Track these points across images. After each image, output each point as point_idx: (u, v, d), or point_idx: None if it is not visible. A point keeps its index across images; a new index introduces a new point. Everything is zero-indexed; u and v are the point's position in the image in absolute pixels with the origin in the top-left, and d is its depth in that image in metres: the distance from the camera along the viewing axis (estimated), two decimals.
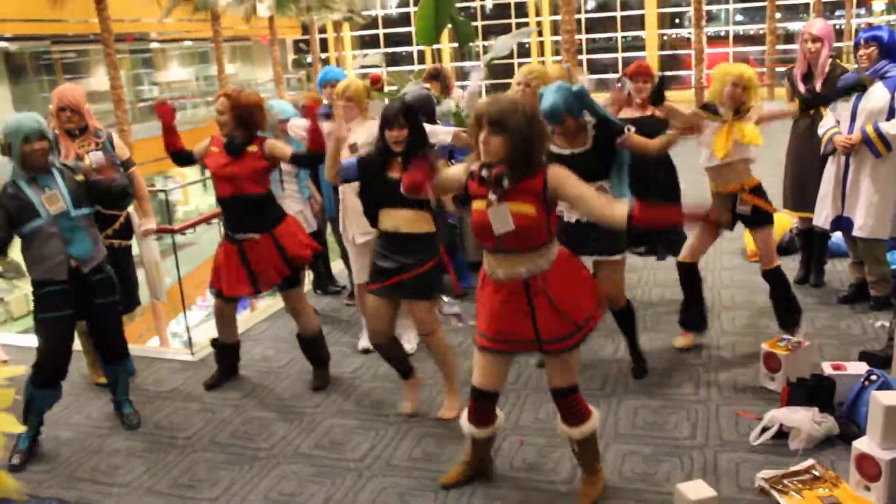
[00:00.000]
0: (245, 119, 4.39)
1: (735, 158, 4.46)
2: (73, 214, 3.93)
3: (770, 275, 4.67)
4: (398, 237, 3.90)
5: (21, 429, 1.00)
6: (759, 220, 4.58)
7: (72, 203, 3.93)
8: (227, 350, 4.89)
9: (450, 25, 6.75)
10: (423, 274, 3.89)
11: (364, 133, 4.65)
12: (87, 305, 4.10)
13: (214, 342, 4.93)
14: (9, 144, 3.85)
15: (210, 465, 3.88)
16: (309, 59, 33.84)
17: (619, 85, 4.82)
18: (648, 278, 6.13)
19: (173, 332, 11.22)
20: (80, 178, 4.02)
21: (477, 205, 3.06)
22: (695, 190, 5.28)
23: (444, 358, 4.14)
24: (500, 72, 30.04)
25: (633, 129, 4.11)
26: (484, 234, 3.05)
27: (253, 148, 4.41)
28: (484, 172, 2.94)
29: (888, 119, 4.74)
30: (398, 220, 3.89)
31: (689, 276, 4.80)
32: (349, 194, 4.83)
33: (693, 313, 4.82)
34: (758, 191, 4.55)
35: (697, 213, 2.98)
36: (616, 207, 3.00)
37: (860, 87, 4.80)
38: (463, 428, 3.42)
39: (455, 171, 3.23)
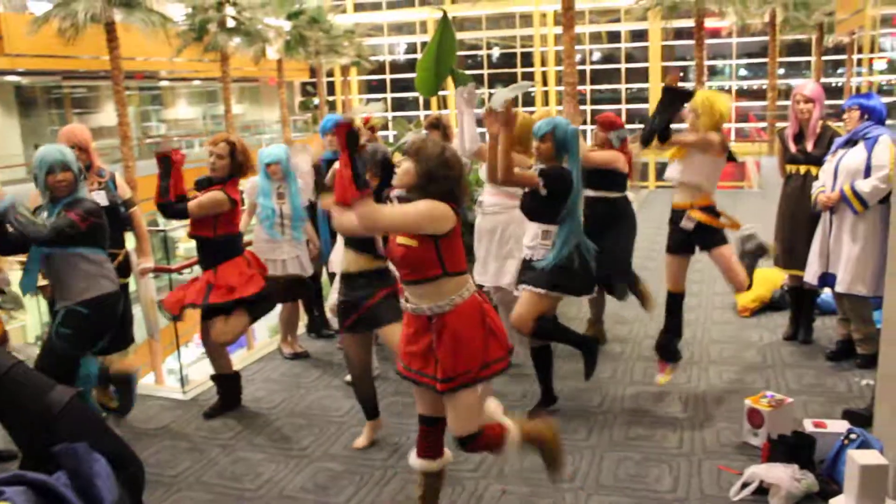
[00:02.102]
0: (241, 165, 4.70)
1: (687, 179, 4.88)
2: (48, 251, 4.02)
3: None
4: (348, 277, 4.23)
5: None
6: (710, 240, 4.91)
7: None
8: (224, 381, 5.06)
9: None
10: (376, 304, 4.17)
11: None
12: None
13: (214, 377, 5.09)
14: (35, 175, 4.01)
15: None
16: (316, 102, 34.26)
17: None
18: (639, 331, 6.19)
19: (170, 368, 11.25)
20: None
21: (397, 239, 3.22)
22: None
23: None
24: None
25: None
26: (399, 265, 3.25)
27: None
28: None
29: (865, 177, 4.88)
30: (347, 261, 4.22)
31: (676, 305, 5.06)
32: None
33: (670, 342, 5.05)
34: (709, 210, 4.90)
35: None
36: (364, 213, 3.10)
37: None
38: (412, 464, 3.45)
39: None
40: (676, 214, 4.99)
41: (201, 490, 4.06)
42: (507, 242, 5.13)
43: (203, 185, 4.76)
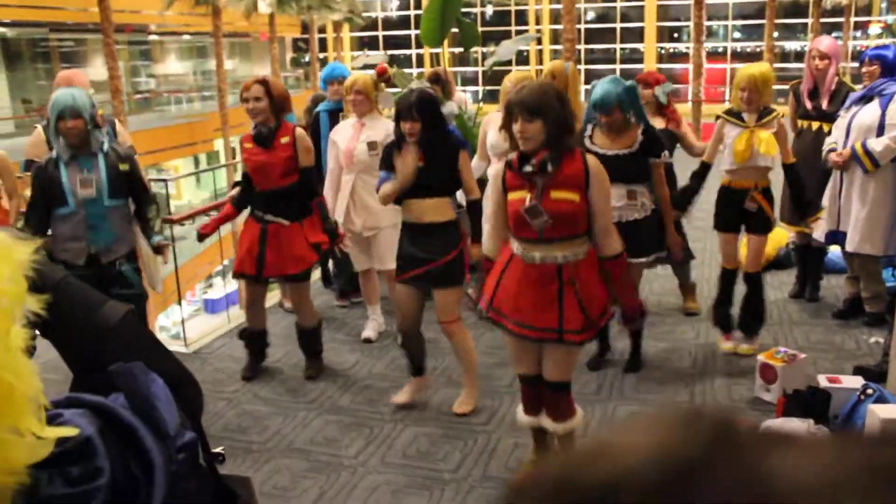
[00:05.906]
0: (281, 106, 4.37)
1: (753, 164, 4.53)
2: (107, 204, 3.94)
3: (751, 277, 4.75)
4: (420, 227, 3.92)
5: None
6: (762, 226, 4.66)
7: (107, 191, 3.93)
8: (255, 337, 4.84)
9: (455, 28, 6.76)
10: (449, 262, 3.91)
11: (380, 130, 4.68)
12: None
13: (242, 333, 4.91)
14: (48, 120, 3.90)
15: None
16: (307, 59, 33.81)
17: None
18: (644, 286, 6.13)
19: (161, 325, 11.16)
20: (123, 166, 3.98)
21: (515, 195, 3.04)
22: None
23: (466, 347, 4.13)
24: (498, 79, 30.16)
25: (668, 156, 4.39)
26: (523, 226, 3.04)
27: (285, 139, 4.38)
28: (528, 167, 2.97)
29: (878, 135, 4.79)
30: (419, 210, 3.89)
31: (729, 281, 4.85)
32: (359, 188, 4.86)
33: (723, 313, 4.89)
34: (767, 193, 4.64)
35: (634, 306, 3.34)
36: (615, 242, 3.12)
37: None
38: (520, 421, 3.43)
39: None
40: (732, 194, 4.67)
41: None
42: None
43: (263, 136, 4.36)
